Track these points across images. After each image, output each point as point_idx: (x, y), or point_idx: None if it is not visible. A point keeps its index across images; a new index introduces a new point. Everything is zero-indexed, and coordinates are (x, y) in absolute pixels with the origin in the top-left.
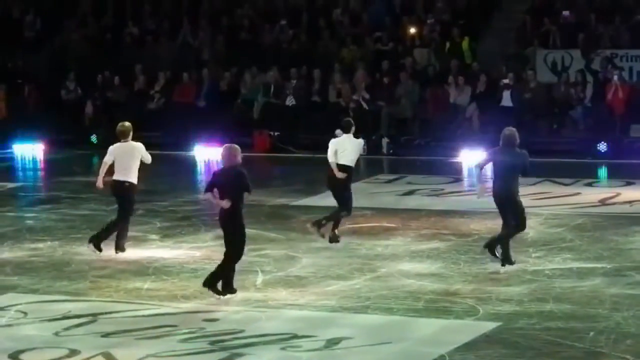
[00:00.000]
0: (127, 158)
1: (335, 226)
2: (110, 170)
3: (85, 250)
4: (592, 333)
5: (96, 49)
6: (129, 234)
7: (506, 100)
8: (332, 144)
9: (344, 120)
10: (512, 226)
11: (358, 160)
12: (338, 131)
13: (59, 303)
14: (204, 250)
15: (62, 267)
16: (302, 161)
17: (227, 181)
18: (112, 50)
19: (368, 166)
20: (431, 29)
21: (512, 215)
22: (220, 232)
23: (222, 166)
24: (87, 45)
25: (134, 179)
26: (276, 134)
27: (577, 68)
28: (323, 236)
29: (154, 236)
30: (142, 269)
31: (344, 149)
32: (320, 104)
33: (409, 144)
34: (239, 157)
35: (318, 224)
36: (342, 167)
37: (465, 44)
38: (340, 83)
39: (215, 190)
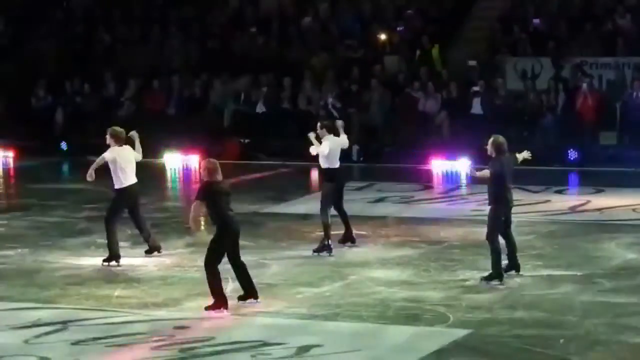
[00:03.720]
0: (132, 161)
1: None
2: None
3: (54, 258)
4: (562, 340)
5: (66, 57)
6: (102, 241)
7: (476, 107)
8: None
9: (328, 121)
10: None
11: None
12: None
13: (29, 310)
14: (174, 257)
15: (32, 274)
16: (272, 168)
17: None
18: (82, 57)
19: None
20: (401, 36)
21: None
22: (190, 239)
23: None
24: (58, 52)
25: None
26: (246, 141)
27: (547, 76)
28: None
29: (124, 243)
30: (112, 276)
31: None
32: (291, 111)
33: (378, 152)
34: None
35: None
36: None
37: (435, 51)
38: (310, 90)
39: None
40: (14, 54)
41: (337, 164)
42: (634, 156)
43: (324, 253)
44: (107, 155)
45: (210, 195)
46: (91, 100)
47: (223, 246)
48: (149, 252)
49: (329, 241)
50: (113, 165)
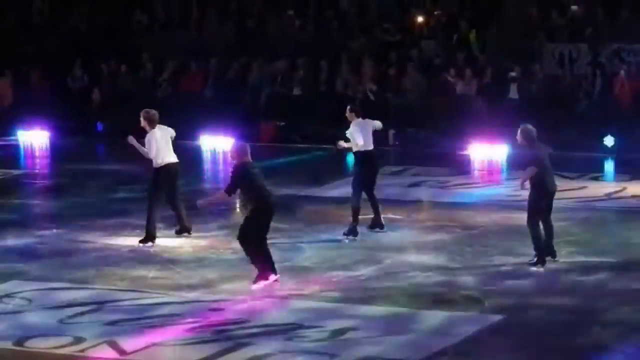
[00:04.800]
0: (169, 141)
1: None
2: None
3: (90, 238)
4: (596, 327)
5: (104, 37)
6: (138, 222)
7: (513, 93)
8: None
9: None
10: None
11: None
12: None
13: (64, 291)
14: (209, 239)
15: (68, 254)
16: (308, 151)
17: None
18: (119, 38)
19: None
20: (438, 20)
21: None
22: (225, 222)
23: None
24: (95, 32)
25: None
26: (282, 124)
27: (584, 61)
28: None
29: (159, 225)
30: (147, 258)
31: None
32: (327, 94)
33: (415, 136)
34: None
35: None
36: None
37: (472, 36)
38: (347, 74)
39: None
40: (52, 34)
41: (370, 147)
42: None
43: (350, 237)
44: (158, 144)
45: (247, 176)
46: (128, 81)
47: (261, 224)
48: (179, 232)
49: (356, 225)
50: (150, 146)
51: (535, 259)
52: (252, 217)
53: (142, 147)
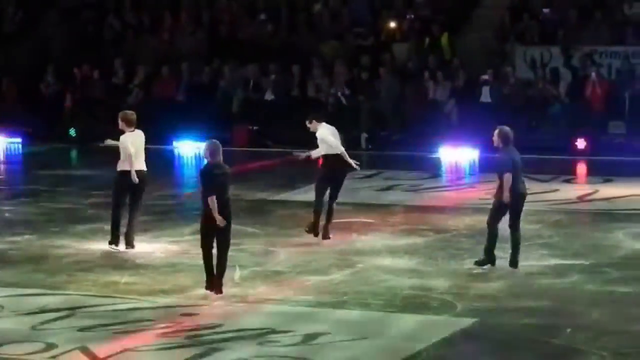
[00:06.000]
0: (141, 146)
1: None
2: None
3: (62, 244)
4: (569, 329)
5: (76, 43)
6: (107, 228)
7: (485, 96)
8: (329, 130)
9: (315, 112)
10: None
11: None
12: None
13: (36, 297)
14: (182, 244)
15: (40, 260)
16: (280, 156)
17: (226, 178)
18: (91, 44)
19: None
20: (411, 24)
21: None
22: (198, 226)
23: (209, 162)
24: (67, 38)
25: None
26: (255, 128)
27: (556, 65)
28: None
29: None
30: (120, 263)
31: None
32: (300, 98)
33: (387, 140)
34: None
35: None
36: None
37: (444, 39)
38: (319, 78)
39: (214, 199)
40: (24, 39)
41: (336, 151)
42: None
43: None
44: (130, 150)
45: (207, 177)
46: (100, 86)
47: (213, 228)
48: (126, 245)
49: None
50: (124, 148)
51: (482, 259)
52: (201, 220)
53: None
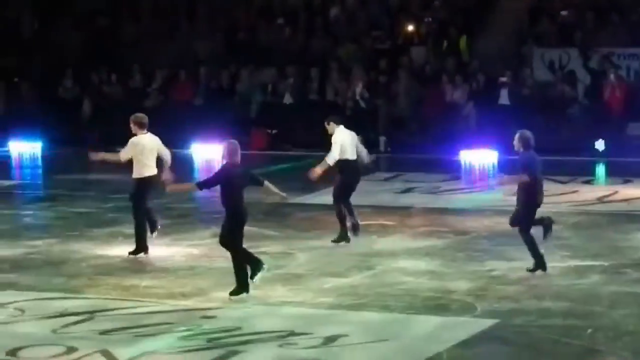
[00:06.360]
0: (155, 150)
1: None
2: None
3: (82, 248)
4: (590, 330)
5: (93, 47)
6: (129, 231)
7: (503, 98)
8: (345, 134)
9: (333, 115)
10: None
11: None
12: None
13: (57, 300)
14: (201, 247)
15: (60, 264)
16: (299, 159)
17: (243, 177)
18: (109, 48)
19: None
20: (428, 27)
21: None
22: (217, 229)
23: (227, 162)
24: (84, 44)
25: None
26: (274, 132)
27: (574, 67)
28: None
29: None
30: (139, 267)
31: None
32: (318, 102)
33: (406, 142)
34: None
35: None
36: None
37: (462, 42)
38: (337, 81)
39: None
40: (41, 46)
41: (351, 156)
42: None
43: (342, 243)
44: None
45: (225, 178)
46: (118, 90)
47: (234, 230)
48: (134, 253)
49: (346, 230)
50: (135, 152)
51: (534, 266)
52: (227, 222)
53: (112, 156)
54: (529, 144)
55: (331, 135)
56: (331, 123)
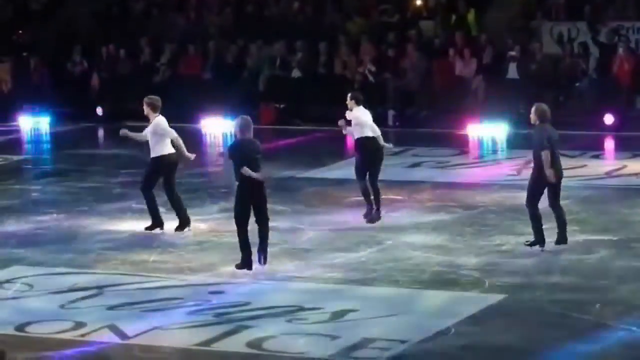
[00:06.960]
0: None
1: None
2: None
3: (90, 223)
4: (598, 305)
5: (102, 22)
6: (138, 206)
7: (512, 72)
8: (365, 113)
9: (357, 93)
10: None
11: None
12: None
13: (65, 276)
14: (209, 222)
15: (68, 240)
16: (307, 133)
17: (257, 151)
18: (118, 22)
19: None
20: (437, 0)
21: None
22: (226, 204)
23: (239, 138)
24: (93, 18)
25: None
26: (282, 106)
27: (582, 40)
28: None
29: (159, 209)
30: (148, 242)
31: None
32: (326, 76)
33: (414, 117)
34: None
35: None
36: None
37: (470, 16)
38: (346, 55)
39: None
40: (50, 20)
41: (369, 133)
42: None
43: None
44: (173, 133)
45: (237, 153)
46: (126, 65)
47: (248, 203)
48: (179, 229)
49: (371, 206)
50: (152, 134)
51: (533, 240)
52: (237, 196)
53: (138, 134)
54: (545, 117)
55: (343, 111)
56: (352, 101)
